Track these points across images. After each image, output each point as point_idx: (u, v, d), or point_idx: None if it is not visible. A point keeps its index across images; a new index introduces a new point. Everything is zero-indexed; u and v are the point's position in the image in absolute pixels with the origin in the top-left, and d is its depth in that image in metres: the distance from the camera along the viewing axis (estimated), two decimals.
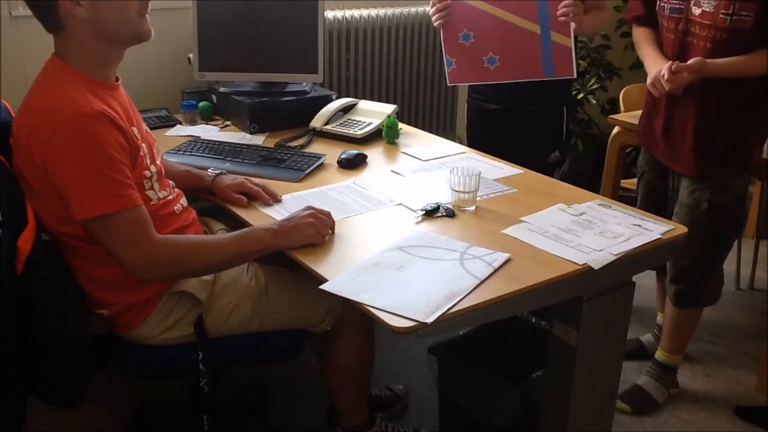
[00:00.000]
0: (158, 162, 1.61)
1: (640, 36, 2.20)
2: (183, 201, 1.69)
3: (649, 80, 2.04)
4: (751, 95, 2.00)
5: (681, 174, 2.14)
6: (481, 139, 2.46)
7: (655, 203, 2.24)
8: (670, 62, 1.97)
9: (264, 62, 2.43)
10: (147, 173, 1.52)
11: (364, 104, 2.44)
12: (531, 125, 2.37)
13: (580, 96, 3.64)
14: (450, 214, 1.69)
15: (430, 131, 2.67)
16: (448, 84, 2.38)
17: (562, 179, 2.05)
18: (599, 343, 1.63)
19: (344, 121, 2.34)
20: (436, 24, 2.28)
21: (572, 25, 2.11)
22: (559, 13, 2.10)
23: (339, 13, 2.90)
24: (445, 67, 2.31)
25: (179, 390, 1.93)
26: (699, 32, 1.97)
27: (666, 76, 1.96)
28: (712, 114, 2.02)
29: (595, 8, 2.24)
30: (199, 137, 2.25)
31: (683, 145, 2.08)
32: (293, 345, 1.73)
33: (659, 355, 2.34)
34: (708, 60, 1.94)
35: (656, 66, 2.03)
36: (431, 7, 2.28)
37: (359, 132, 2.25)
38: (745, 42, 1.91)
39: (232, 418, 2.04)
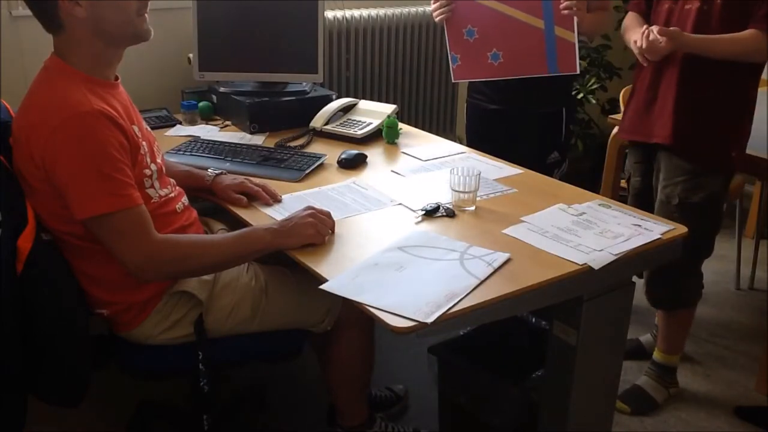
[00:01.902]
0: (159, 160, 1.61)
1: (630, 19, 2.21)
2: (184, 200, 1.69)
3: (636, 50, 2.03)
4: (734, 90, 1.99)
5: (659, 169, 2.15)
6: (480, 139, 2.46)
7: (642, 205, 2.23)
8: (646, 28, 1.95)
9: (264, 62, 2.43)
10: (147, 171, 1.52)
11: (364, 104, 2.44)
12: (530, 126, 2.37)
13: (580, 96, 3.64)
14: (450, 214, 1.69)
15: (430, 131, 2.67)
16: (453, 81, 2.38)
17: (561, 180, 2.05)
18: (599, 343, 1.63)
19: (344, 121, 2.34)
20: (437, 19, 2.28)
21: (575, 19, 2.11)
22: (562, 7, 2.10)
23: (339, 13, 2.90)
24: (450, 64, 2.32)
25: (179, 390, 1.93)
26: None
27: (644, 45, 1.96)
28: (694, 93, 2.01)
29: (599, 9, 2.24)
30: (199, 137, 2.25)
31: (663, 113, 2.07)
32: (293, 345, 1.73)
33: (656, 355, 2.34)
34: (686, 33, 1.93)
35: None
36: (433, 3, 2.28)
37: (359, 132, 2.25)
38: (736, 11, 1.89)
39: (232, 418, 2.04)
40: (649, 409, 2.27)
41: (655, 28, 1.96)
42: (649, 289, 2.23)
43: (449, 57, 2.31)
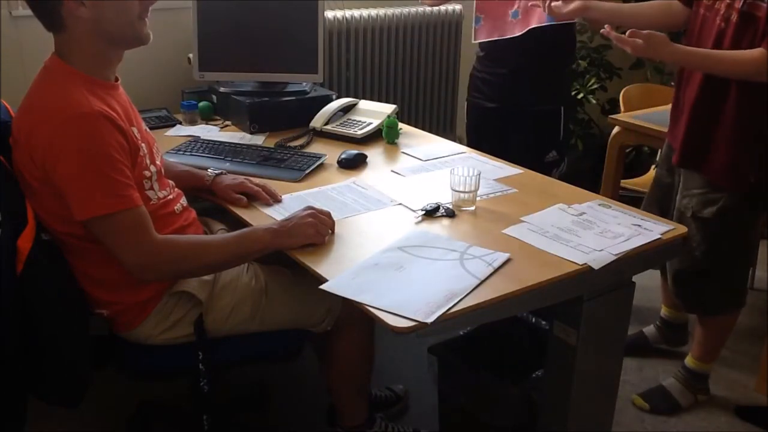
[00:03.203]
0: (158, 162, 1.61)
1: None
2: (183, 201, 1.69)
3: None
4: (747, 111, 1.91)
5: (680, 175, 2.13)
6: (479, 137, 2.46)
7: (660, 200, 2.22)
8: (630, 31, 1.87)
9: (264, 62, 2.43)
10: (147, 173, 1.52)
11: (364, 104, 2.44)
12: (528, 125, 2.38)
13: (580, 96, 3.64)
14: (450, 214, 1.69)
15: (430, 131, 2.67)
16: (473, 41, 2.43)
17: (560, 179, 2.05)
18: (599, 343, 1.63)
19: (344, 121, 2.34)
20: None
21: None
22: None
23: (339, 13, 2.90)
24: (473, 25, 2.38)
25: (179, 390, 1.93)
26: (718, 7, 1.91)
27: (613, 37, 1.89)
28: (708, 110, 1.96)
29: None
30: (199, 137, 2.25)
31: (680, 129, 2.05)
32: (293, 345, 1.73)
33: (688, 361, 2.31)
34: (674, 44, 1.86)
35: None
36: None
37: (359, 132, 2.25)
38: (748, 34, 1.82)
39: (232, 418, 2.04)
40: (669, 411, 2.25)
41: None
42: (675, 292, 2.19)
43: (473, 18, 2.37)
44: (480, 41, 2.40)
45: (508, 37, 2.33)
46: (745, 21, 1.83)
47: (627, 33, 1.85)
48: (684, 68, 2.06)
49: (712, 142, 1.97)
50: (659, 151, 2.36)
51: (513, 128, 2.39)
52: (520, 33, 2.29)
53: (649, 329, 2.56)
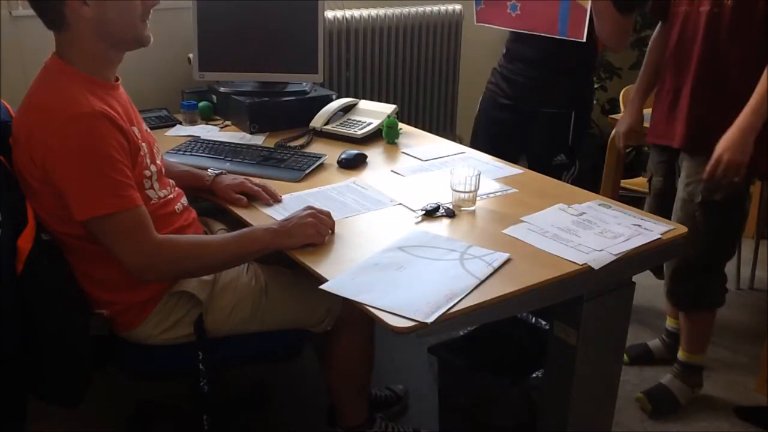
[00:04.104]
0: (158, 161, 1.61)
1: (650, 47, 2.24)
2: (183, 200, 1.69)
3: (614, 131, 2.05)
4: (749, 89, 1.92)
5: (680, 168, 2.14)
6: (485, 130, 2.47)
7: (662, 206, 2.22)
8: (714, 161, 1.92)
9: (264, 62, 2.43)
10: (147, 173, 1.52)
11: (364, 104, 2.44)
12: (536, 124, 2.37)
13: None
14: (450, 214, 1.69)
15: (430, 131, 2.67)
16: (476, 23, 2.45)
17: (573, 183, 2.05)
18: (599, 343, 1.63)
19: (344, 121, 2.34)
20: None
21: None
22: None
23: (339, 13, 2.90)
24: (474, 6, 2.41)
25: (179, 390, 1.93)
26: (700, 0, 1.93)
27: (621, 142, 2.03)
28: (708, 93, 1.99)
29: None
30: (199, 137, 2.25)
31: (681, 116, 2.06)
32: (293, 345, 1.73)
33: (681, 354, 2.32)
34: (732, 129, 1.90)
35: (627, 119, 2.21)
36: None
37: (359, 132, 2.25)
38: (746, 15, 1.84)
39: (232, 418, 2.04)
40: (670, 411, 2.25)
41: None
42: (671, 289, 2.20)
43: (474, 1, 2.41)
44: (482, 24, 2.43)
45: (509, 29, 2.36)
46: (738, 5, 1.87)
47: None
48: (671, 60, 2.09)
49: (715, 128, 1.98)
50: (648, 161, 2.38)
51: (522, 127, 2.39)
52: (523, 31, 2.29)
53: (654, 343, 2.55)
